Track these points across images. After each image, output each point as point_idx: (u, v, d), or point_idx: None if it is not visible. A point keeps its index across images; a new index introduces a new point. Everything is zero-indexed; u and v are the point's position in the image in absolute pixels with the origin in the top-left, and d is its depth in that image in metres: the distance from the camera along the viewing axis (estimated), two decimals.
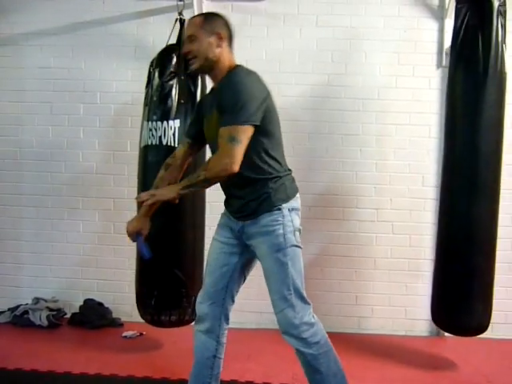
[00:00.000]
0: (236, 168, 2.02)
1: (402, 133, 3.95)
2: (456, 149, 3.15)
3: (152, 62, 3.25)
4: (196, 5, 3.71)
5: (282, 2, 3.99)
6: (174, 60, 3.16)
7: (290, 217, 2.16)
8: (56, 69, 4.10)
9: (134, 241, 2.30)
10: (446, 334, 3.64)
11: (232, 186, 2.20)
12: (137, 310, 3.35)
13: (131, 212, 3.68)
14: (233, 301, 2.32)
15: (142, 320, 3.36)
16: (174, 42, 3.27)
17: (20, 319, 3.88)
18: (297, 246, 2.17)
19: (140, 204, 2.22)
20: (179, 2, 3.32)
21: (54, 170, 4.11)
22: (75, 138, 4.10)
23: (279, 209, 2.14)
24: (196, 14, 3.71)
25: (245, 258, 2.28)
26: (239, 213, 2.21)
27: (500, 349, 3.69)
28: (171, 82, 3.13)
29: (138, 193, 3.26)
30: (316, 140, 3.95)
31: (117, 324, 3.94)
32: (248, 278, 2.38)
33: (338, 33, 3.97)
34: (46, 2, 4.08)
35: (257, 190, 2.14)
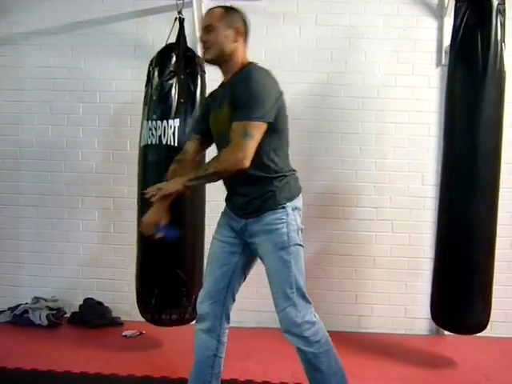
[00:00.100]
0: (247, 163, 2.03)
1: (402, 131, 3.95)
2: (455, 147, 3.15)
3: (151, 61, 3.25)
4: (195, 4, 3.71)
5: (281, 0, 3.99)
6: (174, 59, 3.17)
7: (294, 215, 2.16)
8: (55, 68, 4.10)
9: (151, 234, 2.27)
10: (446, 332, 3.65)
11: (236, 182, 2.19)
12: (136, 310, 3.35)
13: (131, 211, 3.72)
14: (233, 300, 2.32)
15: (141, 319, 3.36)
16: (174, 41, 3.27)
17: (20, 318, 3.88)
18: (299, 244, 2.17)
19: (148, 199, 2.19)
20: (178, 1, 3.31)
21: (54, 169, 4.11)
22: (75, 138, 4.10)
23: (283, 207, 2.14)
24: (195, 13, 3.73)
25: (245, 256, 2.28)
26: (242, 210, 2.21)
27: (499, 347, 3.69)
28: (171, 81, 3.13)
29: (138, 192, 3.27)
30: (315, 139, 3.95)
31: (116, 323, 3.94)
32: (248, 276, 2.38)
33: (337, 31, 3.96)
34: (45, 2, 4.07)
35: (261, 187, 2.14)
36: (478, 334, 3.28)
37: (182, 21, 3.30)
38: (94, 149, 4.10)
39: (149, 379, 2.93)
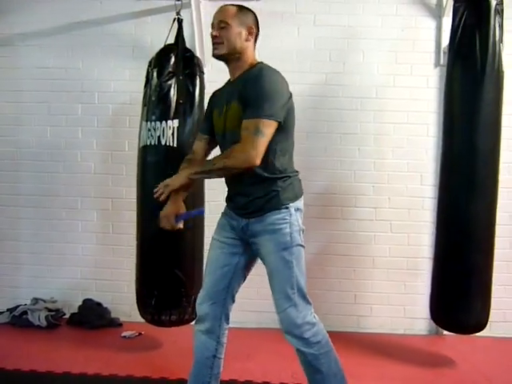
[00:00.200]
0: (258, 161, 2.03)
1: (400, 132, 3.95)
2: (454, 147, 3.16)
3: (150, 62, 3.25)
4: (194, 4, 3.70)
5: (279, 1, 3.99)
6: (173, 60, 3.16)
7: (296, 216, 2.17)
8: (54, 69, 4.09)
9: (173, 226, 2.28)
10: (445, 332, 3.66)
11: (239, 181, 2.18)
12: (136, 310, 3.35)
13: (129, 212, 3.72)
14: (233, 301, 2.32)
15: (140, 320, 3.36)
16: (172, 41, 3.27)
17: (19, 319, 3.88)
18: (301, 245, 2.17)
19: (157, 198, 2.23)
20: (177, 2, 3.31)
21: (52, 170, 4.11)
22: (73, 138, 4.09)
23: (287, 208, 2.14)
24: (194, 13, 3.73)
25: (245, 257, 2.28)
26: (244, 209, 2.20)
27: (498, 347, 3.70)
28: (170, 82, 3.13)
29: (137, 193, 3.27)
30: (314, 139, 3.95)
31: (116, 324, 3.94)
32: (248, 277, 2.38)
33: (335, 32, 3.97)
34: (44, 3, 4.07)
35: (265, 187, 2.14)
36: (477, 334, 3.29)
37: (180, 21, 3.30)
38: (93, 149, 4.09)
39: (148, 380, 2.93)
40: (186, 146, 3.14)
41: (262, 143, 2.03)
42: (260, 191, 2.14)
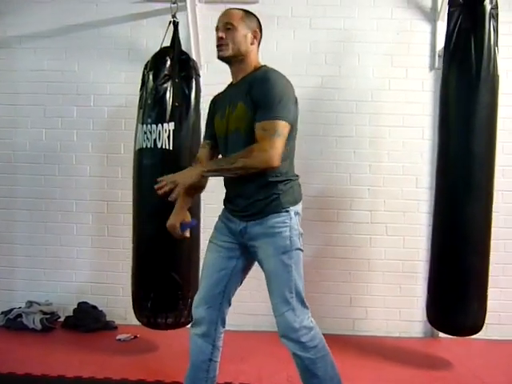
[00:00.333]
0: (278, 163, 2.03)
1: (396, 135, 3.96)
2: (450, 150, 3.17)
3: (146, 65, 3.25)
4: (189, 7, 3.71)
5: (275, 4, 4.00)
6: (168, 63, 3.17)
7: (296, 220, 2.16)
8: (49, 71, 4.09)
9: (179, 234, 2.27)
10: (441, 334, 3.66)
11: (240, 183, 2.16)
12: (131, 313, 3.35)
13: (125, 215, 3.72)
14: (229, 304, 2.30)
15: (136, 323, 3.36)
16: (168, 44, 3.27)
17: (13, 323, 3.86)
18: (300, 249, 2.17)
19: (162, 195, 2.08)
20: (173, 5, 3.32)
21: (48, 172, 4.10)
22: (69, 141, 4.09)
23: (287, 211, 2.14)
24: (190, 16, 3.73)
25: (242, 261, 2.27)
26: (243, 212, 2.19)
27: (494, 350, 3.70)
28: (165, 85, 3.13)
29: (133, 196, 3.26)
30: (310, 142, 3.96)
31: (111, 327, 3.93)
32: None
33: (331, 35, 3.98)
34: (40, 5, 4.07)
35: (266, 190, 2.13)
36: (472, 337, 3.30)
37: (176, 24, 3.31)
38: (88, 152, 4.09)
39: (143, 383, 2.92)
40: (181, 148, 3.15)
41: (281, 144, 2.03)
42: (261, 194, 2.13)
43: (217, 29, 2.24)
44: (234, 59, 2.22)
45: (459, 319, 3.14)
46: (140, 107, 3.23)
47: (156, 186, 2.08)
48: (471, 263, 3.09)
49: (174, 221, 2.27)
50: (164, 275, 3.10)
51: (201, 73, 3.40)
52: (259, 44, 2.30)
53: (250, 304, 3.77)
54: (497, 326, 3.84)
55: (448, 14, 3.16)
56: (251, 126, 2.09)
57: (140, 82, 3.28)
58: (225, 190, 2.31)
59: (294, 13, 4.01)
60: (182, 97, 3.18)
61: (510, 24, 3.75)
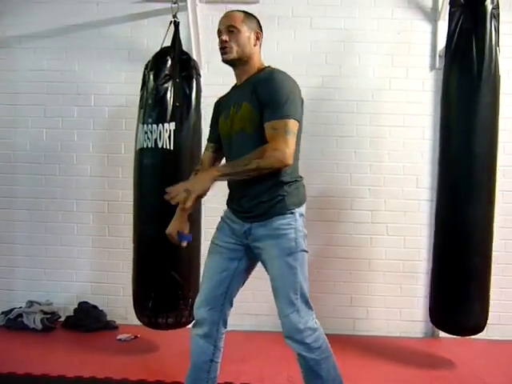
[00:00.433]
0: (291, 161, 2.02)
1: (396, 135, 3.96)
2: (451, 150, 3.17)
3: (147, 65, 3.25)
4: (190, 7, 3.71)
5: (275, 4, 4.00)
6: (169, 63, 3.17)
7: (301, 221, 2.16)
8: (49, 71, 4.09)
9: (176, 243, 2.27)
10: (441, 335, 3.66)
11: (245, 184, 2.14)
12: (131, 313, 3.34)
13: (125, 214, 3.72)
14: (231, 305, 2.30)
15: (136, 323, 3.36)
16: (169, 44, 3.27)
17: (14, 322, 3.86)
18: (305, 250, 2.16)
19: (175, 204, 2.05)
20: (173, 5, 3.32)
21: (48, 172, 4.10)
22: (69, 141, 4.09)
23: (292, 213, 2.13)
24: (190, 16, 3.73)
25: (245, 262, 2.26)
26: (248, 213, 2.17)
27: (494, 349, 3.71)
28: (166, 85, 3.13)
29: (134, 196, 3.26)
30: (311, 142, 3.94)
31: (111, 327, 3.93)
32: None
33: (331, 35, 3.98)
34: (40, 5, 4.07)
35: (272, 191, 2.12)
36: (473, 337, 3.31)
37: (177, 24, 3.30)
38: (89, 152, 4.09)
39: (143, 383, 2.92)
40: (182, 148, 3.15)
41: (293, 142, 2.02)
42: (266, 195, 2.12)
43: (219, 32, 2.22)
44: (238, 62, 2.21)
45: (462, 319, 3.15)
46: (141, 107, 3.23)
47: (167, 197, 2.01)
48: (474, 264, 3.10)
49: (171, 230, 2.27)
50: (165, 275, 3.10)
51: (201, 73, 3.39)
52: (261, 45, 2.29)
53: (251, 304, 3.77)
54: (497, 326, 3.84)
55: (449, 14, 3.16)
56: (256, 126, 2.09)
57: (140, 81, 3.28)
58: (226, 190, 2.30)
59: (294, 13, 4.01)
60: (183, 97, 3.18)
61: (511, 24, 3.74)
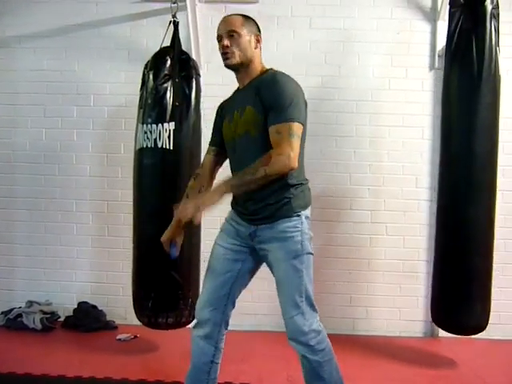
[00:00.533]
0: (296, 164, 2.01)
1: (396, 134, 3.96)
2: (452, 150, 3.18)
3: (146, 65, 3.25)
4: (189, 7, 3.70)
5: (275, 4, 4.00)
6: (169, 62, 3.17)
7: (307, 224, 2.16)
8: (49, 71, 4.09)
9: (167, 250, 2.26)
10: (441, 334, 3.66)
11: None
12: (131, 313, 3.35)
13: (125, 214, 3.72)
14: (233, 306, 2.29)
15: (136, 323, 3.36)
16: (168, 44, 3.27)
17: (13, 322, 3.86)
18: (311, 253, 2.16)
19: (188, 222, 2.05)
20: (173, 5, 3.32)
21: (48, 172, 4.10)
22: (68, 141, 4.09)
23: (298, 215, 2.12)
24: (190, 16, 3.73)
25: (248, 264, 2.26)
26: (254, 215, 2.16)
27: (494, 349, 3.71)
28: (166, 85, 3.13)
29: (134, 195, 3.26)
30: (310, 142, 3.86)
31: (111, 327, 3.93)
32: None
33: (331, 35, 3.98)
34: (39, 5, 4.07)
35: (277, 194, 2.11)
36: (473, 336, 3.31)
37: (176, 24, 3.31)
38: (88, 152, 4.09)
39: (143, 383, 2.92)
40: (182, 148, 3.15)
41: (297, 145, 2.01)
42: (272, 197, 2.11)
43: (219, 37, 2.20)
44: (241, 66, 2.19)
45: (463, 319, 3.16)
46: (140, 107, 3.23)
47: (179, 216, 2.05)
48: (475, 264, 3.11)
49: (164, 238, 2.26)
50: (164, 275, 3.10)
51: (201, 72, 3.40)
52: (261, 47, 2.28)
53: (250, 304, 3.76)
54: (497, 326, 3.83)
55: (449, 14, 3.16)
56: (260, 130, 2.08)
57: (140, 81, 3.28)
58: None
59: (293, 13, 4.01)
60: (183, 96, 3.18)
61: (510, 24, 3.74)
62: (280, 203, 2.11)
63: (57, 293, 4.09)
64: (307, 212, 2.18)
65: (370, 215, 3.99)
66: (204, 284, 2.31)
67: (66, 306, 4.04)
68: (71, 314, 3.98)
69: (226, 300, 2.25)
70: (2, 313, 3.97)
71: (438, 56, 3.87)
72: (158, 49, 3.25)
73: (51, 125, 4.09)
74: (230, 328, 2.33)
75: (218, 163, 2.39)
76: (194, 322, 2.32)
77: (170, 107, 3.12)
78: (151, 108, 3.13)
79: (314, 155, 3.96)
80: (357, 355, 3.47)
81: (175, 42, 3.26)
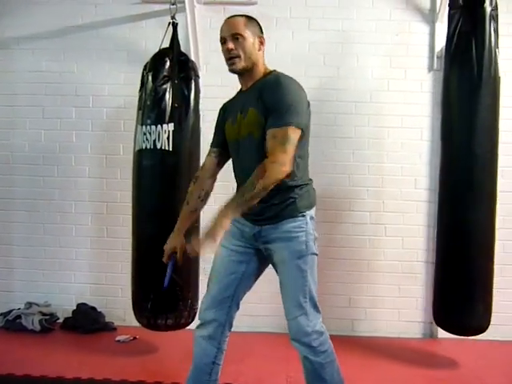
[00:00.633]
0: (290, 168, 1.99)
1: (395, 136, 3.97)
2: (452, 152, 3.18)
3: (145, 66, 3.25)
4: (188, 8, 3.70)
5: (274, 5, 4.00)
6: (168, 64, 3.17)
7: (311, 225, 2.15)
8: (48, 72, 4.08)
9: (166, 261, 2.30)
10: (440, 335, 3.66)
11: None
12: (130, 315, 3.34)
13: (124, 216, 3.72)
14: (237, 308, 2.30)
15: (135, 324, 3.36)
16: (167, 45, 3.27)
17: (12, 324, 3.86)
18: (315, 253, 2.17)
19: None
20: (172, 6, 3.32)
21: (46, 174, 4.09)
22: (67, 142, 4.08)
23: (303, 215, 2.12)
24: (189, 17, 3.73)
25: (253, 265, 2.25)
26: (258, 216, 2.15)
27: (493, 350, 3.70)
28: (165, 86, 3.14)
29: (133, 197, 3.26)
30: (311, 143, 3.94)
31: (110, 328, 3.92)
32: None
33: (330, 36, 3.98)
34: (38, 6, 4.06)
35: (282, 194, 2.10)
36: (472, 338, 3.32)
37: (175, 25, 3.31)
38: (87, 153, 4.08)
39: None
40: (181, 149, 3.15)
41: (291, 151, 1.99)
42: (277, 198, 2.10)
43: (223, 40, 2.18)
44: (246, 70, 2.18)
45: (465, 320, 3.17)
46: (139, 108, 3.23)
47: (193, 249, 1.98)
48: (476, 265, 3.12)
49: (167, 247, 2.32)
50: (164, 276, 3.09)
51: (200, 74, 3.39)
52: (264, 49, 2.26)
53: (249, 305, 3.72)
54: (496, 327, 3.82)
55: (448, 16, 3.17)
56: (263, 131, 2.06)
57: (139, 83, 3.28)
58: (226, 191, 2.30)
59: (292, 14, 4.01)
60: (182, 98, 3.18)
61: (509, 25, 3.74)
62: (285, 203, 2.11)
63: (56, 294, 4.09)
64: (312, 212, 2.18)
65: (369, 216, 3.99)
66: (208, 285, 2.30)
67: (64, 307, 4.03)
68: (70, 315, 3.98)
69: (231, 301, 2.25)
70: (1, 314, 3.96)
71: (437, 57, 3.88)
72: (157, 50, 3.25)
73: (50, 126, 4.08)
74: None
75: (219, 165, 2.38)
76: (194, 323, 2.32)
77: (169, 108, 3.12)
78: (150, 109, 3.13)
79: (313, 156, 3.90)
80: (356, 356, 3.46)
81: (174, 44, 3.26)
